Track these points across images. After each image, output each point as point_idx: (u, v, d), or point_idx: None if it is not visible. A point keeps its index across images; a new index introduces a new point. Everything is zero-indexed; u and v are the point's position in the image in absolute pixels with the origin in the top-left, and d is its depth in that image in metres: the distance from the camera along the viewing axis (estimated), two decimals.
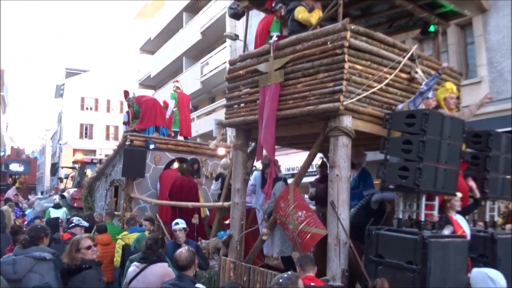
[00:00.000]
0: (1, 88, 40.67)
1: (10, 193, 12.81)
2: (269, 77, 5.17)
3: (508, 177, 5.20)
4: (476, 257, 4.77)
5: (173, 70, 26.17)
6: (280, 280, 2.90)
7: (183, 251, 3.60)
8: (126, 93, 10.00)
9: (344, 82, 4.48)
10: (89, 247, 3.73)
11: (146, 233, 5.64)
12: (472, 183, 4.95)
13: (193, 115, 21.55)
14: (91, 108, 41.15)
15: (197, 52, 23.19)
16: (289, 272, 3.02)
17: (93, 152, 35.58)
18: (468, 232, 4.60)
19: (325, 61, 4.67)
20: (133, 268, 4.04)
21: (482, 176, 4.93)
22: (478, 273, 3.31)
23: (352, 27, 4.62)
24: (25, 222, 10.40)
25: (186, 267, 3.51)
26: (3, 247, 5.42)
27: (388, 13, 6.14)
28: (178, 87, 9.77)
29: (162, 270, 3.99)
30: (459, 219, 4.65)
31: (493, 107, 9.02)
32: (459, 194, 4.63)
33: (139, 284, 3.88)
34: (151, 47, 29.63)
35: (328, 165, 4.83)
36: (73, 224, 5.88)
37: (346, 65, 4.49)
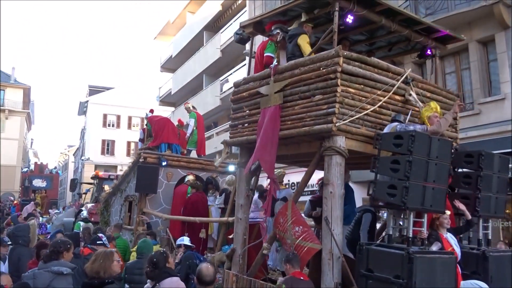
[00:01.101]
0: (28, 106, 42.57)
1: (29, 208, 13.46)
2: (270, 99, 5.56)
3: (502, 196, 5.38)
4: (469, 274, 4.97)
5: (193, 87, 26.89)
6: None
7: (209, 267, 3.65)
8: (151, 111, 10.68)
9: (337, 105, 4.83)
10: (117, 261, 3.78)
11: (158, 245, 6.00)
12: (459, 205, 5.15)
13: (213, 131, 22.13)
14: (113, 125, 42.45)
15: (217, 70, 23.89)
16: None
17: (114, 168, 36.60)
18: (457, 250, 4.80)
19: (320, 85, 5.04)
20: (146, 285, 4.07)
21: (474, 195, 5.13)
22: (468, 283, 3.53)
23: (345, 53, 4.99)
24: (48, 237, 10.96)
25: (210, 282, 3.55)
26: (25, 261, 5.48)
27: (388, 38, 6.48)
28: (194, 107, 10.30)
29: (171, 282, 3.93)
30: (449, 237, 4.86)
31: None
32: (448, 212, 4.86)
33: None
34: (172, 65, 30.66)
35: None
36: (100, 242, 5.77)
37: (339, 88, 4.85)
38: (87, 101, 43.36)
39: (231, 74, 21.16)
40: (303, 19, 5.56)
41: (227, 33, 21.68)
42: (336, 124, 4.79)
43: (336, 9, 5.15)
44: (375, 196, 4.61)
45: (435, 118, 5.01)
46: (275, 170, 8.09)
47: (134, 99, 40.78)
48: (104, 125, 42.22)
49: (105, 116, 42.16)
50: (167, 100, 32.16)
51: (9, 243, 6.13)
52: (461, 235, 5.32)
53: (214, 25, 25.40)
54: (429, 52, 6.16)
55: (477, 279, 4.87)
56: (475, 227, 5.33)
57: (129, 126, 42.46)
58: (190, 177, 8.66)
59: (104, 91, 44.43)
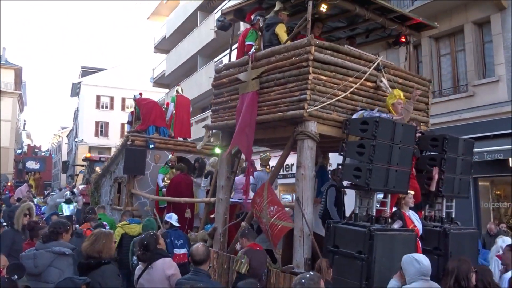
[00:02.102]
0: (20, 87, 42.61)
1: (23, 189, 13.86)
2: (247, 86, 5.88)
3: (466, 177, 5.78)
4: (431, 250, 5.40)
5: (187, 69, 26.87)
6: (303, 280, 2.90)
7: (200, 246, 3.76)
8: (140, 95, 10.95)
9: (309, 92, 5.15)
10: (115, 242, 4.03)
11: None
12: (436, 176, 5.50)
13: (207, 113, 22.34)
14: (106, 107, 42.56)
15: (211, 51, 23.86)
16: (311, 272, 3.04)
17: (108, 149, 36.86)
18: (419, 226, 5.20)
19: (294, 72, 5.36)
20: (138, 266, 4.14)
21: (438, 177, 5.52)
22: (407, 257, 3.94)
23: (317, 42, 5.29)
24: (43, 219, 11.37)
25: (202, 261, 3.67)
26: (5, 243, 5.48)
27: (366, 25, 6.76)
28: (177, 91, 10.60)
29: (163, 263, 4.01)
30: (412, 214, 5.26)
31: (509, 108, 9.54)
32: (412, 192, 5.26)
33: (144, 281, 3.97)
34: (166, 46, 30.51)
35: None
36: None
37: (310, 76, 5.16)
38: (80, 82, 43.34)
39: (226, 55, 21.17)
40: (277, 8, 5.82)
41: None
42: (308, 110, 5.13)
43: None
44: (342, 177, 5.00)
45: (399, 105, 5.35)
46: (262, 154, 8.52)
47: (128, 81, 40.76)
48: (98, 106, 42.31)
49: (98, 97, 42.22)
50: (161, 81, 32.13)
51: (5, 224, 6.31)
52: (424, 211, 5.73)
53: (208, 6, 25.28)
54: (403, 39, 6.45)
55: (438, 255, 5.33)
56: (439, 206, 5.75)
57: (123, 108, 42.55)
58: (171, 157, 8.97)
59: (97, 72, 44.35)
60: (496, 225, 9.23)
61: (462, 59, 11.69)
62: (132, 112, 10.66)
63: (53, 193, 19.55)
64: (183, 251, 5.79)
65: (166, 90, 31.16)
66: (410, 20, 6.36)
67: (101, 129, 42.13)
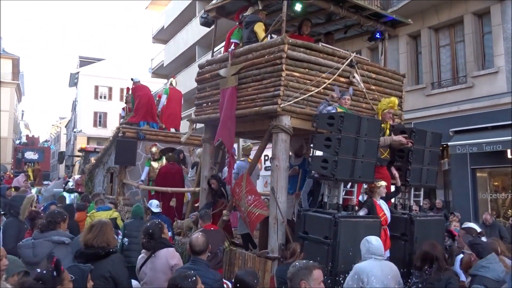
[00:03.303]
0: (17, 77, 43.11)
1: (20, 179, 14.37)
2: (227, 81, 6.31)
3: (433, 168, 6.23)
4: (399, 235, 5.87)
5: (186, 59, 27.06)
6: (297, 263, 3.02)
7: (199, 236, 3.88)
8: (128, 90, 11.36)
9: (282, 88, 5.58)
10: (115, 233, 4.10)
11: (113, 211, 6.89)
12: (395, 172, 5.99)
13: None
14: (105, 97, 43.02)
15: (210, 41, 24.07)
16: (311, 262, 3.09)
17: (107, 140, 37.43)
18: (388, 214, 5.66)
19: (269, 69, 5.79)
20: (141, 255, 4.21)
21: (405, 167, 5.97)
22: (363, 239, 4.41)
23: (290, 40, 5.71)
24: (41, 208, 11.89)
25: (201, 252, 3.78)
26: (11, 232, 5.57)
27: (344, 21, 7.15)
28: (171, 83, 11.04)
29: (167, 253, 4.08)
30: (382, 203, 5.71)
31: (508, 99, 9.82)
32: (384, 183, 5.70)
33: (147, 270, 4.04)
34: (164, 36, 30.72)
35: None
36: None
37: (284, 73, 5.59)
38: (78, 72, 43.74)
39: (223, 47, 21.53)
40: (255, 7, 6.23)
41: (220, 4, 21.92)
42: (281, 105, 5.56)
43: None
44: (311, 168, 5.44)
45: (388, 114, 5.75)
46: (245, 144, 8.96)
47: (126, 71, 41.11)
48: (96, 97, 42.78)
49: (96, 88, 42.67)
50: (160, 72, 32.42)
51: (3, 213, 6.43)
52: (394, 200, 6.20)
53: None
54: (378, 35, 6.84)
55: (405, 240, 5.81)
56: (407, 195, 6.21)
57: (121, 98, 42.78)
58: (153, 149, 9.42)
59: (95, 62, 44.72)
60: (492, 216, 9.45)
61: (462, 50, 11.90)
62: (123, 108, 11.12)
63: (46, 182, 20.03)
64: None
65: (165, 81, 31.46)
66: (384, 17, 6.74)
67: (100, 119, 42.64)
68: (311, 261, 3.15)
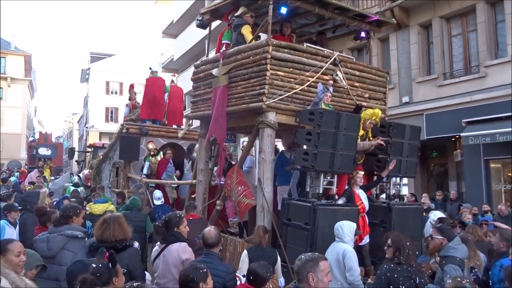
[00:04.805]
0: (29, 73, 44.32)
1: (33, 174, 15.15)
2: (219, 80, 6.86)
3: (413, 159, 6.70)
4: (378, 223, 6.38)
5: (196, 53, 27.38)
6: (302, 257, 3.09)
7: (212, 229, 4.02)
8: (131, 87, 12.00)
9: (267, 86, 6.11)
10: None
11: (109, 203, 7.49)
12: (391, 167, 6.43)
13: None
14: (116, 92, 44.00)
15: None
16: (316, 254, 3.18)
17: None
18: (366, 203, 6.16)
19: (255, 69, 6.32)
20: (156, 248, 4.35)
21: (385, 159, 6.46)
22: (336, 224, 4.95)
23: (274, 42, 6.23)
24: (54, 203, 12.61)
25: (214, 244, 3.94)
26: (30, 227, 5.89)
27: (332, 21, 7.63)
28: (173, 81, 11.65)
29: (179, 247, 4.16)
30: (361, 193, 6.22)
31: None
32: (361, 172, 6.22)
33: (160, 263, 4.17)
34: (174, 30, 31.12)
35: None
36: None
37: (268, 72, 6.11)
38: (89, 68, 44.78)
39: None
40: (241, 11, 6.76)
41: None
42: (266, 103, 6.09)
43: (270, 3, 6.33)
44: (294, 160, 5.98)
45: (369, 124, 6.23)
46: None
47: (137, 66, 41.98)
48: (107, 92, 43.77)
49: (107, 83, 43.66)
50: (170, 66, 32.90)
51: (20, 208, 6.70)
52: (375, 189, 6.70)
53: None
54: (363, 34, 7.31)
55: (383, 227, 6.32)
56: (388, 185, 6.71)
57: None
58: (150, 145, 9.93)
59: (106, 58, 45.67)
60: (508, 207, 9.48)
61: (474, 40, 11.92)
62: (127, 104, 11.77)
63: (52, 178, 20.85)
64: None
65: (176, 75, 32.04)
66: (368, 17, 7.20)
67: (111, 114, 43.63)
68: (316, 253, 3.24)
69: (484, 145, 10.90)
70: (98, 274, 2.73)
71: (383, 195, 7.20)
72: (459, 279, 2.98)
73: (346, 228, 4.82)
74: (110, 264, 2.83)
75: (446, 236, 4.49)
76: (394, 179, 6.80)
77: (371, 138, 6.30)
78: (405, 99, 14.08)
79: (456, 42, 12.82)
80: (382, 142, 6.18)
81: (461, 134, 11.14)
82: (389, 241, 4.08)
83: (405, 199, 11.48)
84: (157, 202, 7.29)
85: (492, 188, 11.34)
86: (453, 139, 12.81)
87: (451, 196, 11.40)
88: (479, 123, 11.05)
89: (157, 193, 7.51)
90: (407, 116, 13.61)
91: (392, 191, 6.72)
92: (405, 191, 13.85)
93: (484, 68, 11.34)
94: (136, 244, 4.29)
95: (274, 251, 5.33)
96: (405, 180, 14.93)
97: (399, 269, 3.87)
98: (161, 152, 9.82)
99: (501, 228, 5.47)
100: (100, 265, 2.80)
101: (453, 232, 4.53)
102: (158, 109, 11.06)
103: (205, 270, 3.06)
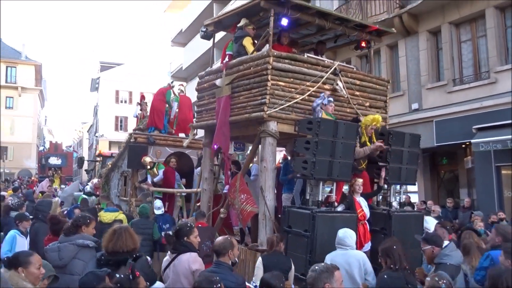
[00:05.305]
0: (40, 83, 45.35)
1: (44, 184, 15.65)
2: (222, 90, 7.18)
3: (413, 167, 6.91)
4: (379, 230, 6.59)
5: (204, 62, 27.80)
6: (316, 267, 3.17)
7: (221, 238, 4.11)
8: (142, 97, 12.48)
9: (268, 96, 6.40)
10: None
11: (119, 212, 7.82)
12: (383, 174, 6.71)
13: None
14: (125, 101, 44.78)
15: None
16: (329, 264, 3.29)
17: None
18: (366, 211, 6.38)
19: (257, 80, 6.62)
20: (166, 258, 4.41)
21: (385, 167, 6.68)
22: (344, 233, 5.17)
23: (275, 53, 6.53)
24: (65, 212, 13.02)
25: (219, 252, 3.96)
26: (41, 236, 5.94)
27: (333, 31, 7.90)
28: (182, 91, 12.04)
29: (189, 257, 4.23)
30: (361, 200, 6.44)
31: None
32: (360, 180, 6.44)
33: (170, 273, 4.24)
34: (183, 39, 31.83)
35: None
36: None
37: (269, 83, 6.40)
38: (99, 77, 45.70)
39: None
40: (241, 24, 7.08)
41: (238, 5, 22.75)
42: (267, 112, 6.38)
43: (271, 15, 6.65)
44: (294, 169, 6.24)
45: (371, 130, 6.49)
46: None
47: (146, 75, 42.76)
48: (117, 101, 44.59)
49: (117, 92, 44.49)
50: (179, 75, 33.49)
51: (31, 217, 6.76)
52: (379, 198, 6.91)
53: None
54: (363, 44, 7.57)
55: (384, 234, 6.52)
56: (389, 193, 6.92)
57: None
58: (146, 159, 10.17)
59: (115, 67, 46.58)
60: None
61: (484, 45, 12.07)
62: (137, 115, 12.22)
63: (62, 186, 21.42)
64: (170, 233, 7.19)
65: (184, 83, 32.65)
66: (368, 27, 7.47)
67: (121, 123, 44.39)
68: (329, 264, 3.41)
69: (495, 152, 10.95)
70: (119, 284, 2.86)
71: (394, 203, 7.44)
72: (436, 279, 3.20)
73: (353, 236, 5.05)
74: (131, 275, 2.94)
75: (433, 243, 4.70)
76: (399, 187, 6.99)
77: (368, 145, 6.53)
78: (415, 105, 14.25)
79: (465, 48, 12.95)
80: (382, 144, 6.39)
81: (472, 141, 11.22)
82: (379, 252, 4.32)
83: (415, 206, 11.72)
84: (157, 212, 7.62)
85: (503, 195, 11.35)
86: (463, 145, 12.91)
87: (464, 204, 11.44)
88: (489, 129, 11.12)
89: (157, 202, 7.85)
90: (416, 123, 13.80)
91: (402, 199, 6.92)
92: (415, 198, 14.02)
93: (494, 74, 11.45)
94: (167, 257, 4.43)
95: (288, 258, 5.46)
96: (415, 188, 15.16)
97: (396, 276, 4.08)
98: (158, 164, 10.10)
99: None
100: (122, 276, 2.94)
101: (439, 237, 4.73)
102: (157, 118, 11.49)
103: (219, 285, 3.14)
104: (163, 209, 7.76)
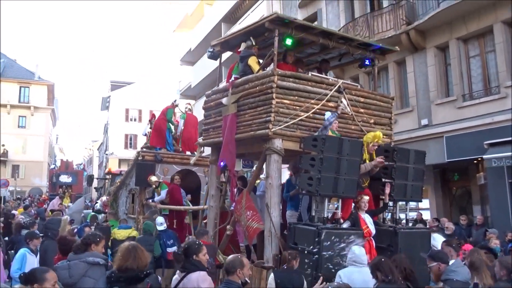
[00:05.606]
0: (52, 102, 46.27)
1: (55, 202, 15.91)
2: (228, 109, 7.36)
3: (418, 183, 6.98)
4: (385, 247, 6.63)
5: (213, 80, 28.13)
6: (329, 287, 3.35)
7: (231, 256, 4.24)
8: (152, 116, 12.76)
9: (273, 114, 6.56)
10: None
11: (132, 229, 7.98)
12: (387, 190, 6.78)
13: None
14: (135, 119, 45.50)
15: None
16: (343, 283, 3.45)
17: None
18: (371, 227, 6.44)
19: (262, 98, 6.80)
20: (175, 276, 4.40)
21: (390, 183, 6.76)
22: (359, 250, 5.26)
23: (280, 72, 6.71)
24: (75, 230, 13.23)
25: (227, 271, 4.00)
26: (51, 254, 6.13)
27: (337, 50, 8.09)
28: (189, 109, 12.29)
29: (198, 276, 4.21)
30: (366, 217, 6.51)
31: None
32: (367, 197, 6.53)
33: None
34: (191, 58, 32.49)
35: None
36: None
37: (274, 101, 6.58)
38: (109, 96, 46.52)
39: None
40: (247, 44, 7.29)
41: (245, 24, 23.26)
42: (272, 130, 6.54)
43: (276, 35, 6.85)
44: (299, 185, 6.35)
45: (373, 147, 6.61)
46: None
47: (155, 93, 43.46)
48: (127, 119, 45.28)
49: (127, 110, 45.22)
50: (188, 93, 34.06)
51: (41, 235, 6.86)
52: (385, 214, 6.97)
53: (232, 16, 26.98)
54: (367, 62, 7.74)
55: (390, 251, 6.56)
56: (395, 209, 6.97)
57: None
58: (152, 178, 10.34)
59: (125, 86, 47.43)
60: None
61: (493, 60, 12.20)
62: (147, 134, 12.50)
63: (69, 204, 21.71)
64: (174, 249, 7.33)
65: (193, 102, 33.14)
66: (372, 46, 7.64)
67: (130, 141, 44.99)
68: (341, 283, 3.62)
69: (508, 167, 10.92)
70: None
71: (404, 220, 7.43)
72: None
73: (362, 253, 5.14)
74: None
75: (439, 260, 4.76)
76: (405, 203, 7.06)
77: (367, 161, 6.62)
78: (424, 121, 14.31)
79: (474, 63, 13.06)
80: (382, 160, 6.48)
81: (484, 156, 11.20)
82: (370, 269, 4.41)
83: (427, 224, 11.66)
84: (159, 228, 7.77)
85: None
86: (475, 161, 12.88)
87: (476, 221, 11.36)
88: (501, 144, 11.10)
89: (159, 219, 7.99)
90: (426, 139, 13.83)
91: (409, 216, 6.98)
92: (426, 215, 13.97)
93: (504, 89, 11.50)
94: (176, 276, 4.39)
95: (300, 275, 5.50)
96: (426, 204, 15.09)
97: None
98: (161, 184, 10.28)
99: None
100: None
101: (445, 253, 4.78)
102: (156, 136, 11.74)
103: None
104: (165, 225, 7.91)
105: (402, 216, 7.42)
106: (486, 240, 8.78)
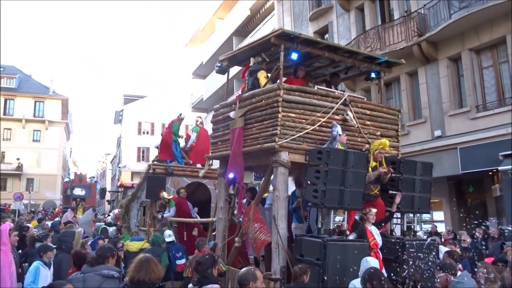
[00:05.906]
0: (66, 116, 47.25)
1: (69, 215, 16.21)
2: (236, 122, 7.57)
3: (426, 195, 7.06)
4: (393, 258, 6.70)
5: (224, 93, 28.92)
6: None
7: (244, 269, 4.24)
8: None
9: (279, 127, 6.74)
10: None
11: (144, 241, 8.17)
12: (398, 199, 6.87)
13: None
14: (147, 132, 46.21)
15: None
16: None
17: None
18: (378, 239, 6.53)
19: (268, 111, 6.98)
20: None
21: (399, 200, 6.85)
22: (362, 260, 5.37)
23: (285, 86, 6.90)
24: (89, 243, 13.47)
25: (240, 283, 3.99)
26: (65, 267, 6.25)
27: (344, 63, 8.26)
28: (201, 122, 12.56)
29: None
30: (373, 229, 6.61)
31: None
32: (374, 210, 6.62)
33: None
34: (203, 71, 33.17)
35: None
36: None
37: (280, 114, 6.75)
38: (122, 110, 47.34)
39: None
40: (256, 60, 7.52)
41: (256, 38, 23.67)
42: (278, 143, 6.70)
43: (281, 50, 7.06)
44: (305, 198, 6.49)
45: (379, 154, 6.75)
46: None
47: (167, 107, 44.08)
48: (139, 132, 46.02)
49: (139, 124, 45.96)
50: (199, 106, 34.69)
51: (55, 247, 6.93)
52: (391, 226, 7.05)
53: (243, 30, 27.52)
54: (373, 75, 7.89)
55: (399, 263, 6.64)
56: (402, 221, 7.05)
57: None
58: (164, 195, 10.56)
59: (138, 99, 48.24)
60: None
61: (506, 71, 12.32)
62: (157, 147, 12.82)
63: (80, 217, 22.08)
64: (183, 261, 7.51)
65: (205, 114, 33.60)
66: (377, 59, 7.80)
67: (143, 154, 45.62)
68: None
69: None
70: None
71: (420, 233, 7.36)
72: None
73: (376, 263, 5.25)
74: None
75: (447, 270, 4.84)
76: (415, 216, 7.15)
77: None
78: (437, 132, 14.35)
79: (487, 74, 13.14)
80: (385, 170, 6.59)
81: (499, 168, 11.20)
82: (361, 281, 4.52)
83: (442, 236, 11.62)
84: (167, 239, 7.95)
85: None
86: (490, 173, 12.85)
87: (492, 234, 11.31)
88: None
89: (167, 231, 8.17)
90: (440, 150, 13.86)
91: (416, 228, 7.06)
92: (441, 228, 13.91)
93: None
94: None
95: None
96: (441, 217, 15.01)
97: None
98: (170, 201, 10.48)
99: None
100: None
101: (452, 263, 4.86)
102: (163, 150, 12.00)
103: None
104: (173, 237, 8.10)
105: (418, 228, 7.49)
106: (504, 253, 8.74)
